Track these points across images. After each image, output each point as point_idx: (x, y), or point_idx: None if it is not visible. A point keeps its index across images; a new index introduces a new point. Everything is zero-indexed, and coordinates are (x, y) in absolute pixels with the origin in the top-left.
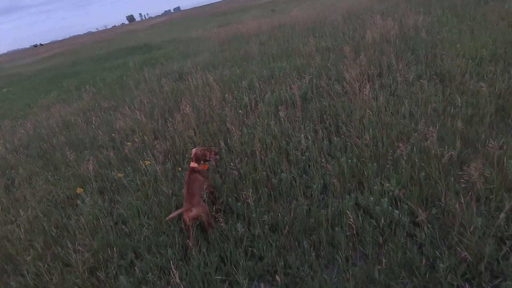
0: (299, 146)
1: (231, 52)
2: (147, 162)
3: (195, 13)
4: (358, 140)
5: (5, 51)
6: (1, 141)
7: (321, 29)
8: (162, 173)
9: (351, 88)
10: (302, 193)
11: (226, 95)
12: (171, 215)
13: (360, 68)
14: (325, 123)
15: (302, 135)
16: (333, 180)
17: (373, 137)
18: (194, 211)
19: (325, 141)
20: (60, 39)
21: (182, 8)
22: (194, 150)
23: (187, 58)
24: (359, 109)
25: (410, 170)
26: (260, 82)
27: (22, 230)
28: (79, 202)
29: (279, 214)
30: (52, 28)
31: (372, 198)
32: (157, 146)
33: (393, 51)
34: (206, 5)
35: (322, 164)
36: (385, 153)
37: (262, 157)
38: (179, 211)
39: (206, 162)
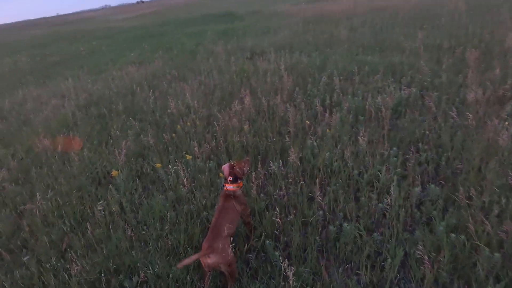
0: (376, 182)
1: (315, 34)
2: (189, 157)
3: None
4: (472, 204)
5: (116, 4)
6: (74, 97)
7: (433, 20)
8: (198, 179)
9: (472, 114)
10: (369, 262)
11: (297, 88)
12: (184, 261)
13: (491, 85)
14: (420, 155)
15: (384, 168)
16: (420, 256)
17: (494, 201)
18: (212, 259)
19: (416, 187)
20: None
21: None
22: (226, 167)
23: (266, 34)
24: (480, 148)
25: None
26: (341, 78)
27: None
28: (111, 186)
29: None
30: None
31: None
32: (205, 139)
33: None
34: None
35: (406, 224)
36: None
37: (321, 198)
38: (196, 256)
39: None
